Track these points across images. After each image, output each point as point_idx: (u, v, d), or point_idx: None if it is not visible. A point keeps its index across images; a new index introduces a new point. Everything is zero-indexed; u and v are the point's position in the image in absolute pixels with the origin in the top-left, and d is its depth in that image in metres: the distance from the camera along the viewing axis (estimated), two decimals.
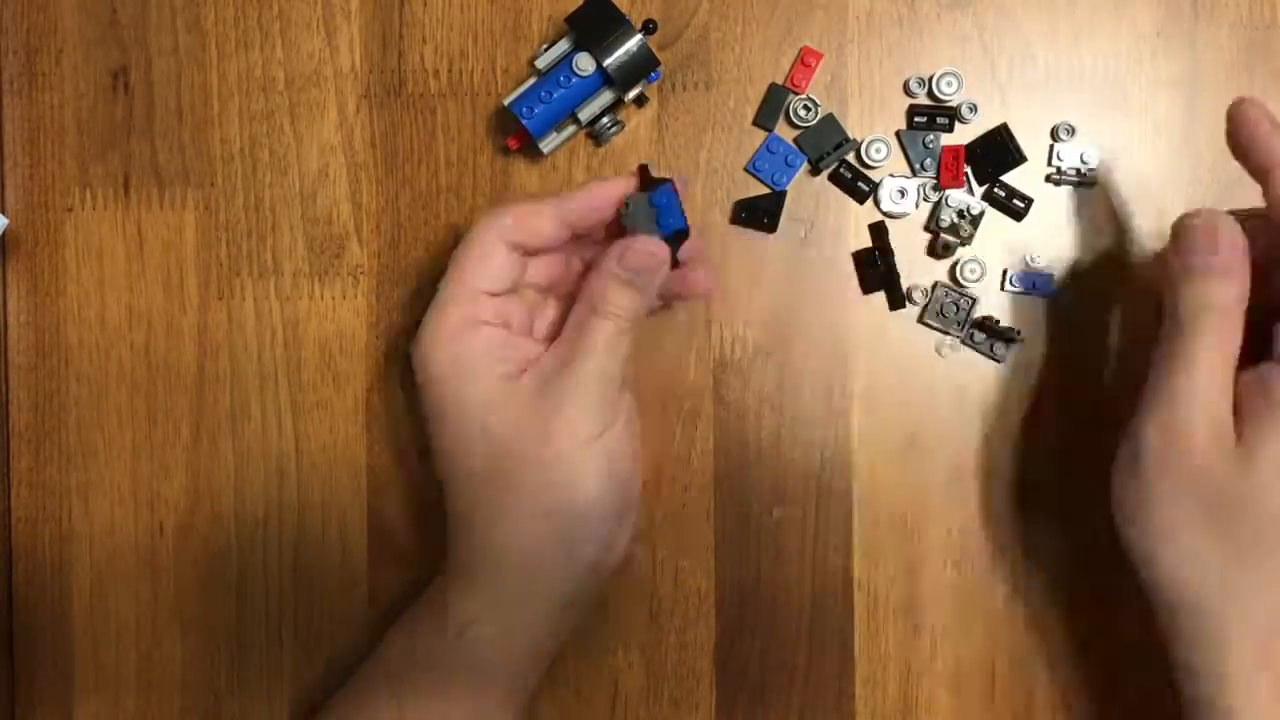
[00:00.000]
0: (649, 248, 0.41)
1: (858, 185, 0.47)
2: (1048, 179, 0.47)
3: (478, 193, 0.48)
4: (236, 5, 0.48)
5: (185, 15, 0.49)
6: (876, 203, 0.47)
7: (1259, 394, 0.38)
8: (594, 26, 0.44)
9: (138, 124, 0.49)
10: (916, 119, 0.47)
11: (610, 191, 0.42)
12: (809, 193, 0.47)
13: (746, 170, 0.47)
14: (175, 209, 0.49)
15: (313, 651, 0.49)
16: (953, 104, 0.46)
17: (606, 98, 0.45)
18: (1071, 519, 0.47)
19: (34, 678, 0.49)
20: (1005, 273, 0.47)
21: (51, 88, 0.49)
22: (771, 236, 0.47)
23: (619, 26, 0.44)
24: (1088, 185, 0.46)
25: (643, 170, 0.43)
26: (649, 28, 0.45)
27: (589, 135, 0.47)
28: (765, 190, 0.47)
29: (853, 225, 0.47)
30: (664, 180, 0.42)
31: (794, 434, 0.48)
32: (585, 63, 0.44)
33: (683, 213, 0.42)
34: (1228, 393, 0.38)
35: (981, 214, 0.46)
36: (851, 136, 0.46)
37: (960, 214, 0.46)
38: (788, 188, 0.47)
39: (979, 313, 0.46)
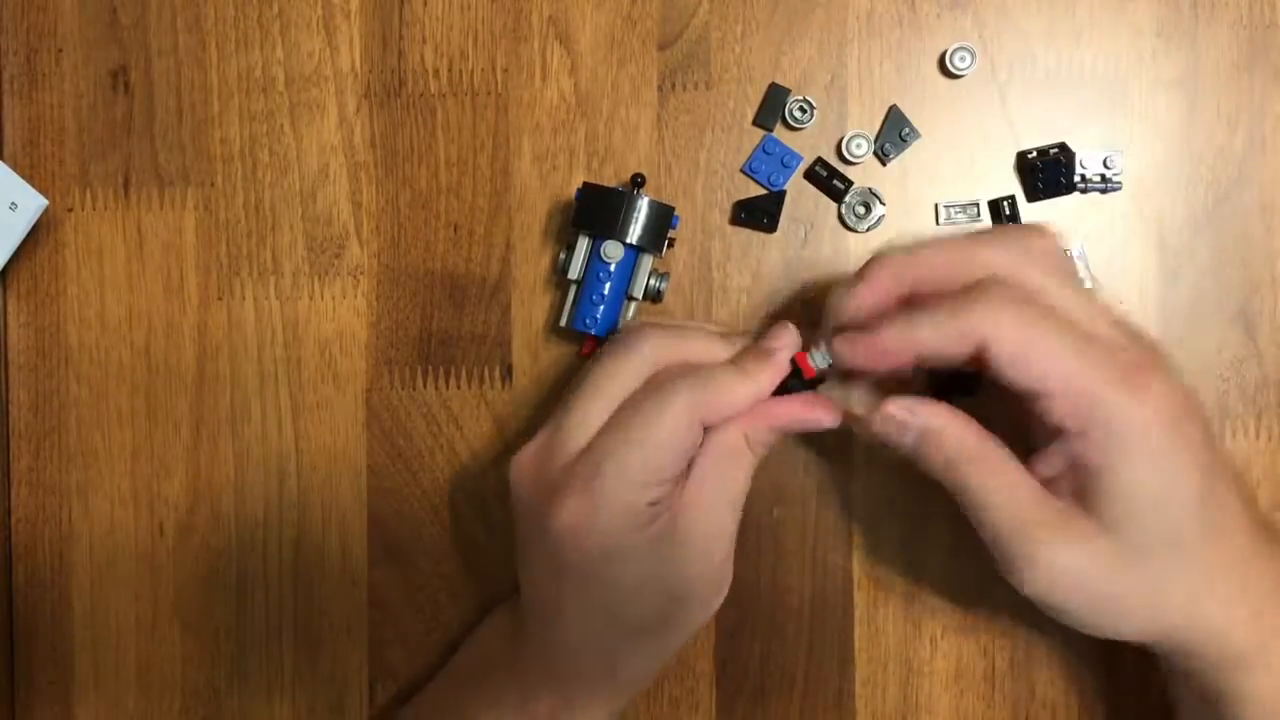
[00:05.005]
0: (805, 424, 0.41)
1: (834, 184, 0.46)
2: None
3: (478, 193, 0.48)
4: (236, 5, 0.49)
5: (185, 15, 0.49)
6: (840, 218, 0.47)
7: (1078, 466, 0.37)
8: (597, 214, 0.44)
9: (138, 124, 0.49)
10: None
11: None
12: (809, 193, 0.47)
13: (743, 171, 0.47)
14: (175, 209, 0.49)
15: (313, 651, 0.49)
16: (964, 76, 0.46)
17: (647, 263, 0.45)
18: None
19: (34, 678, 0.49)
20: None
21: (51, 88, 0.49)
22: (771, 236, 0.47)
23: (619, 201, 0.43)
24: (1114, 190, 0.46)
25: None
26: (638, 181, 0.44)
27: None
28: (765, 190, 0.47)
29: None
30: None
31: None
32: (613, 249, 0.44)
33: None
34: (1034, 490, 0.38)
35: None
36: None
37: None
38: (786, 188, 0.47)
39: None
